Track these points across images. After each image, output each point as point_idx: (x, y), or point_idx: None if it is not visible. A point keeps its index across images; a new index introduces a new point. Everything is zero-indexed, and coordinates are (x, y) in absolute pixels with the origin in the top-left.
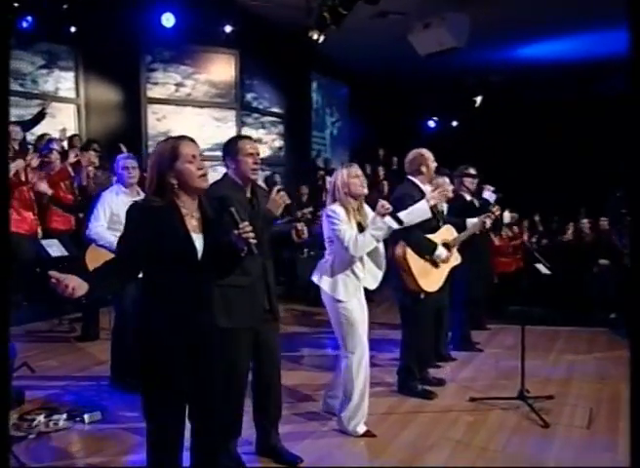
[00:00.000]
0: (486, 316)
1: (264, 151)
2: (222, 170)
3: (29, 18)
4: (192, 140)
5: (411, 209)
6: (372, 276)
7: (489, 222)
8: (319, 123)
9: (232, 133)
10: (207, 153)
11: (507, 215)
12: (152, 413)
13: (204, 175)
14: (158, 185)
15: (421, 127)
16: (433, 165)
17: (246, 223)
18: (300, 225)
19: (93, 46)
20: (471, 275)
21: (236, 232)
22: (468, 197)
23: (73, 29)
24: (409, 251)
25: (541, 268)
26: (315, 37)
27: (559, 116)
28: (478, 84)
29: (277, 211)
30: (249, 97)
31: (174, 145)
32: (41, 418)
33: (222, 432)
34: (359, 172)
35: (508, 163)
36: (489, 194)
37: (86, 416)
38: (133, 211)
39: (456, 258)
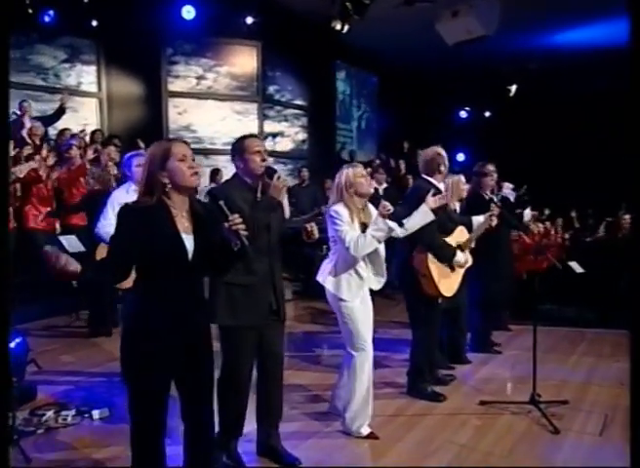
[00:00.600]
0: (510, 316)
1: (287, 145)
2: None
3: (51, 12)
4: (185, 142)
5: (414, 213)
6: (375, 278)
7: (495, 220)
8: (345, 115)
9: (254, 126)
10: (228, 147)
11: (528, 213)
12: (139, 410)
13: (196, 173)
14: (148, 185)
15: (453, 117)
16: (447, 163)
17: (236, 215)
18: (310, 226)
19: (114, 39)
20: (488, 275)
21: (226, 225)
22: (487, 195)
23: (95, 23)
24: (430, 256)
25: (575, 267)
26: (338, 27)
27: (599, 105)
28: (513, 72)
29: (279, 196)
30: (271, 89)
31: (166, 146)
32: (50, 414)
33: (224, 431)
34: (364, 171)
35: (544, 155)
36: (508, 191)
37: (94, 413)
38: (123, 212)
39: (467, 260)
